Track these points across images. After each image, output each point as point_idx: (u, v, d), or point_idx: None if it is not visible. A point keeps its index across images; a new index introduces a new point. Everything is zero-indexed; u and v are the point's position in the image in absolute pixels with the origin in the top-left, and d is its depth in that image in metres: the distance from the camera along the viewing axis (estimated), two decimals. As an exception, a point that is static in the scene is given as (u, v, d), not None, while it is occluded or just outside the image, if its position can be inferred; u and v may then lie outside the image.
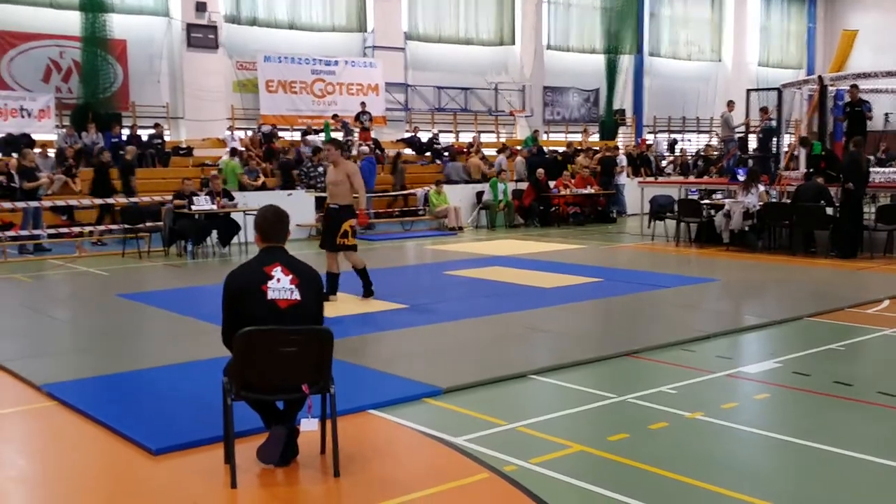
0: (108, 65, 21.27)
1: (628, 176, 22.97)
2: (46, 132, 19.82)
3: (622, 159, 22.91)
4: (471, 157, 22.71)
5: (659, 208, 16.83)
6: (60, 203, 15.84)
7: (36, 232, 14.85)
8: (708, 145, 29.95)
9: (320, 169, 18.08)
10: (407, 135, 25.90)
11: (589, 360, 7.02)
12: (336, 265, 9.69)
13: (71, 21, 20.57)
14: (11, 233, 14.67)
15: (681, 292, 10.42)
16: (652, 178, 23.47)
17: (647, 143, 29.13)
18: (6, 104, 19.64)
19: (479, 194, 20.21)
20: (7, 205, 14.42)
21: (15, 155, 16.45)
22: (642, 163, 25.35)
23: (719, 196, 16.29)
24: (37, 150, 17.24)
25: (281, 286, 4.54)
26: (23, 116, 19.75)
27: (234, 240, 15.08)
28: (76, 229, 15.44)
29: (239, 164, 18.76)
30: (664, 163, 28.04)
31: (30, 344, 7.97)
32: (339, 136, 21.74)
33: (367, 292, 9.82)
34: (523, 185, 20.52)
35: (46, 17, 20.85)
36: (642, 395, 6.01)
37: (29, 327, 8.97)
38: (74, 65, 21.08)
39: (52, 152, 18.63)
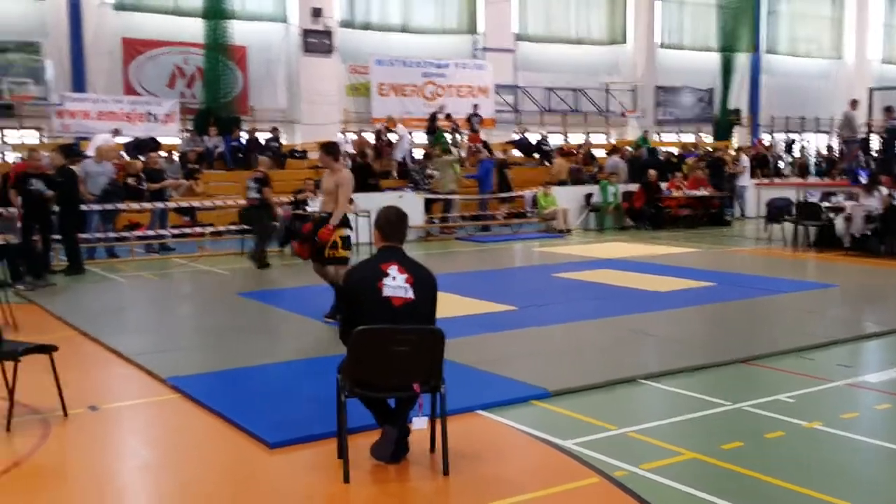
0: (229, 70, 22.15)
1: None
2: (171, 136, 20.79)
3: (744, 160, 22.21)
4: (556, 159, 22.40)
5: (776, 211, 16.26)
6: (184, 204, 16.57)
7: (161, 232, 15.59)
8: (828, 146, 28.72)
9: (427, 171, 18.28)
10: (515, 136, 25.87)
11: (701, 365, 6.86)
12: (331, 275, 8.74)
13: (195, 28, 21.51)
14: (139, 232, 15.45)
15: (798, 298, 10.04)
16: (768, 180, 22.68)
17: (764, 143, 28.16)
18: (134, 109, 20.71)
19: (588, 196, 20.00)
20: (135, 206, 15.19)
21: (142, 158, 17.32)
22: (759, 164, 24.52)
23: (840, 199, 15.60)
24: (162, 154, 18.09)
25: (396, 284, 4.63)
26: (149, 121, 20.79)
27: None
28: (198, 229, 16.11)
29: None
30: (781, 164, 27.04)
31: (156, 339, 8.38)
32: (448, 137, 21.96)
33: (333, 314, 8.66)
34: (633, 187, 20.18)
35: (172, 24, 21.90)
36: (757, 402, 5.84)
37: (155, 323, 9.45)
38: (198, 71, 22.04)
39: (175, 155, 19.51)
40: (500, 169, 20.83)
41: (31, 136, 20.93)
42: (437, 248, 16.43)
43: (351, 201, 14.63)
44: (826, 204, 15.43)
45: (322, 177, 9.11)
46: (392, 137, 21.69)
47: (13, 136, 20.59)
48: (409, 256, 4.85)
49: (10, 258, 11.49)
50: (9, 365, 5.55)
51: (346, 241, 8.71)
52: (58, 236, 12.88)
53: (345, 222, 8.74)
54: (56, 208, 12.60)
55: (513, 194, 20.07)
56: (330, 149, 8.89)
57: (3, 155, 19.24)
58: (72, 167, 13.41)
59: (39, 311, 9.85)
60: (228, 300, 10.49)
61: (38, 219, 12.35)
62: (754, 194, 21.40)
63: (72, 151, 15.77)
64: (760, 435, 5.23)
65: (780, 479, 4.47)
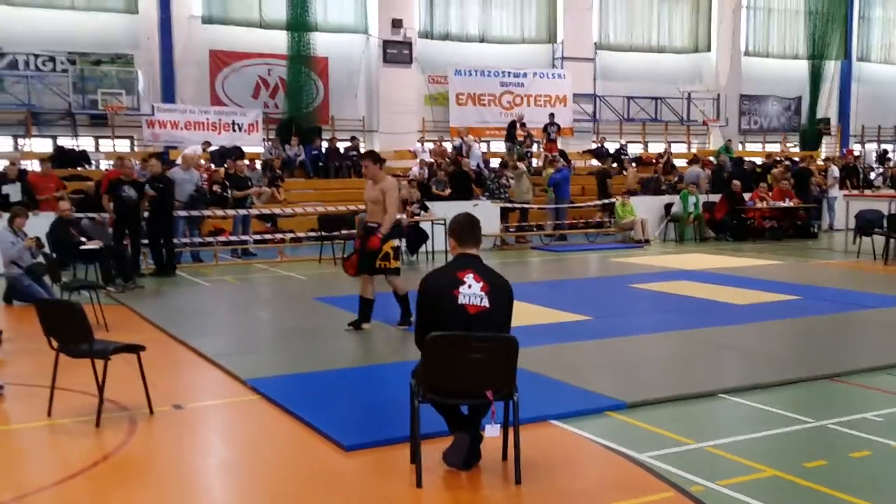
0: (311, 81, 22.60)
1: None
2: (254, 145, 21.31)
3: (833, 171, 21.52)
4: (629, 168, 21.97)
5: (866, 223, 15.69)
6: (266, 211, 16.95)
7: (244, 237, 15.98)
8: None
9: (502, 180, 18.26)
10: (594, 145, 25.65)
11: (784, 381, 6.67)
12: (371, 290, 8.75)
13: (278, 40, 22.04)
14: (222, 238, 15.87)
15: (888, 313, 9.67)
16: (858, 192, 21.92)
17: (855, 153, 27.22)
18: (220, 119, 21.31)
19: (668, 206, 19.67)
20: (220, 212, 15.62)
21: (226, 166, 17.80)
22: (848, 175, 23.71)
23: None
24: (245, 162, 18.56)
25: (471, 292, 4.65)
26: (234, 130, 21.35)
27: (422, 248, 15.53)
28: (279, 235, 16.46)
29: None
30: (873, 175, 26.09)
31: (237, 341, 8.60)
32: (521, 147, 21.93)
33: (404, 321, 8.74)
34: (715, 198, 19.76)
35: (257, 37, 22.46)
36: (843, 420, 5.65)
37: (236, 326, 9.69)
38: (280, 82, 22.55)
39: (258, 164, 19.99)
40: (603, 178, 20.70)
41: (122, 145, 21.73)
42: (513, 256, 16.40)
43: (405, 206, 14.84)
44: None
45: (365, 187, 8.90)
46: (457, 143, 21.85)
47: (106, 145, 21.41)
48: (485, 264, 4.86)
49: (101, 261, 11.96)
50: (99, 363, 5.78)
51: (397, 252, 8.65)
52: (147, 240, 13.36)
53: (395, 233, 8.65)
54: (146, 214, 13.09)
55: (605, 201, 19.82)
56: (376, 157, 8.82)
57: (98, 163, 20.03)
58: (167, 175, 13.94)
59: (128, 313, 10.22)
60: (306, 304, 10.69)
61: (128, 224, 12.84)
62: (843, 206, 20.70)
63: (162, 160, 16.35)
64: (845, 454, 5.06)
65: (865, 500, 4.32)
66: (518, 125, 22.56)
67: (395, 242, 8.63)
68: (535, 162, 22.39)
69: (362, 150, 22.26)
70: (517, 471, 4.58)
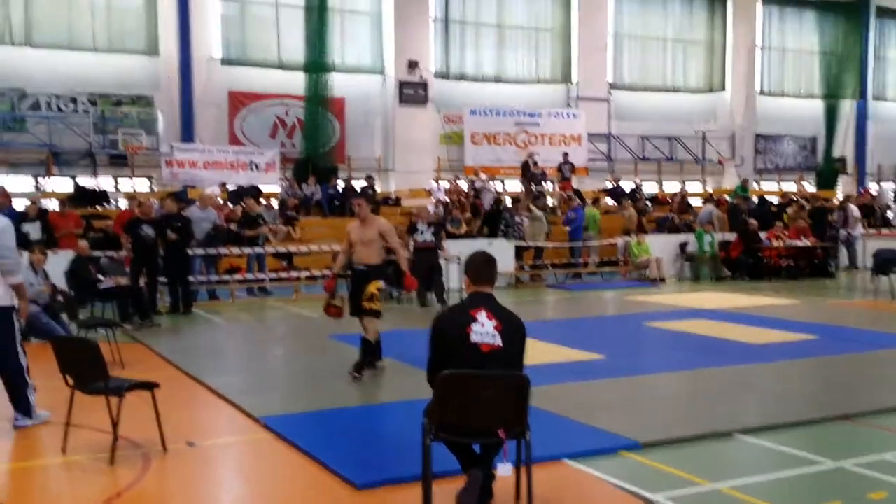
0: (328, 121, 22.87)
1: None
2: (271, 184, 21.51)
3: (853, 210, 21.41)
4: (627, 209, 21.54)
5: (883, 262, 15.59)
6: (282, 249, 17.05)
7: (259, 276, 16.06)
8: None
9: (516, 219, 18.31)
10: (609, 185, 25.71)
11: (801, 421, 6.61)
12: (371, 331, 8.48)
13: (296, 81, 22.36)
14: (239, 276, 15.97)
15: (908, 353, 9.58)
16: (876, 230, 21.81)
17: (871, 192, 27.13)
18: (238, 158, 21.55)
19: (683, 245, 19.64)
20: (236, 250, 15.73)
21: (243, 205, 17.94)
22: (865, 214, 23.61)
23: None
24: (262, 201, 18.72)
25: (484, 330, 4.66)
26: (252, 169, 21.57)
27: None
28: (294, 274, 16.53)
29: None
30: (890, 214, 25.96)
31: (251, 379, 8.62)
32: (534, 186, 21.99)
33: (359, 369, 8.31)
34: (731, 236, 19.72)
35: (275, 78, 22.80)
36: (861, 462, 5.58)
37: (251, 364, 9.72)
38: (298, 122, 22.83)
39: (275, 202, 20.15)
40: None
41: (142, 185, 22.00)
42: (528, 295, 16.38)
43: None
44: (938, 256, 14.73)
45: (349, 227, 8.70)
46: (478, 185, 21.96)
47: (125, 184, 21.68)
48: (499, 303, 4.87)
49: (119, 299, 12.07)
50: (114, 400, 5.82)
51: (380, 294, 8.40)
52: (164, 279, 13.48)
53: (381, 273, 8.51)
54: (162, 252, 13.21)
55: (604, 242, 19.83)
56: (370, 199, 8.85)
57: (117, 202, 20.26)
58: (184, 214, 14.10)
59: (145, 350, 10.28)
60: (320, 342, 10.70)
61: (146, 262, 12.97)
62: (860, 245, 20.59)
63: (179, 199, 16.54)
64: (863, 495, 5.00)
65: (884, 543, 4.26)
66: (531, 164, 22.66)
67: (381, 284, 8.46)
68: (550, 201, 22.44)
69: (377, 189, 22.47)
70: (530, 510, 4.55)
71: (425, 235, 14.53)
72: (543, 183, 22.63)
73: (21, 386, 6.70)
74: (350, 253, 8.58)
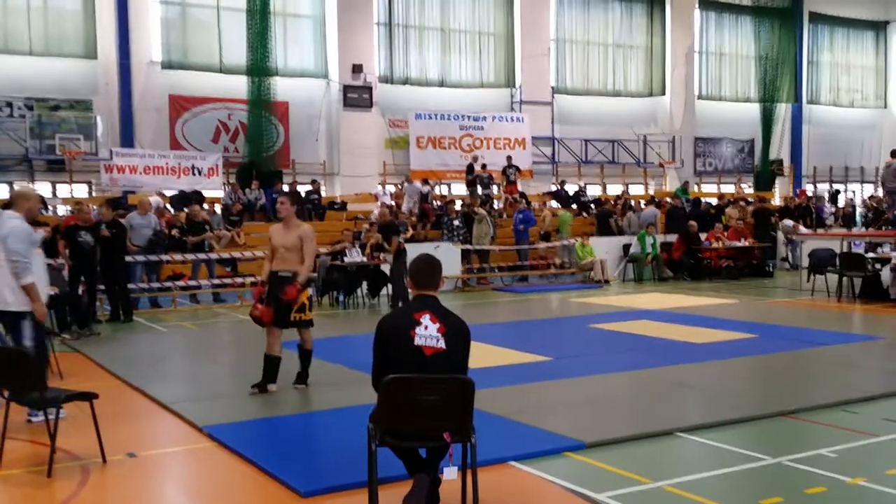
0: (272, 125, 22.65)
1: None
2: (214, 189, 21.22)
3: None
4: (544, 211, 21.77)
5: (819, 262, 16.02)
6: (226, 255, 16.82)
7: (202, 282, 15.81)
8: (870, 196, 28.34)
9: (456, 222, 18.33)
10: (553, 187, 25.96)
11: (741, 419, 6.75)
12: (279, 347, 7.94)
13: (239, 85, 22.09)
14: (181, 283, 15.70)
15: (842, 350, 9.85)
16: (811, 231, 22.40)
17: (807, 193, 27.88)
18: (180, 163, 21.21)
19: (626, 247, 19.92)
20: (178, 257, 15.47)
21: (186, 210, 17.68)
22: (801, 214, 24.25)
23: (886, 249, 15.34)
24: (204, 206, 18.44)
25: (428, 333, 4.65)
26: (194, 174, 21.25)
27: (383, 291, 15.51)
28: (239, 280, 16.32)
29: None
30: (825, 214, 26.70)
31: (194, 388, 8.48)
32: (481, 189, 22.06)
33: (301, 380, 8.14)
34: (672, 238, 20.07)
35: (217, 82, 22.51)
36: (799, 457, 5.71)
37: (193, 372, 9.57)
38: (241, 126, 22.58)
39: (218, 207, 19.88)
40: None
41: (80, 191, 21.52)
42: (474, 298, 16.44)
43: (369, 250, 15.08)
44: (871, 255, 15.18)
45: (271, 230, 8.22)
46: (424, 189, 21.93)
47: (63, 190, 21.18)
48: (443, 306, 4.87)
49: (57, 308, 11.76)
50: (51, 411, 5.66)
51: (311, 303, 8.02)
52: (102, 286, 13.18)
53: (308, 282, 8.07)
54: (100, 259, 12.92)
55: (550, 245, 20.02)
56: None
57: (55, 208, 19.77)
58: (119, 220, 13.79)
59: (84, 360, 10.04)
60: (264, 350, 10.55)
61: (84, 270, 12.66)
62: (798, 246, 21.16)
63: (118, 205, 16.20)
64: (801, 491, 5.12)
65: (820, 536, 4.37)
66: (478, 167, 22.72)
67: (310, 292, 8.12)
68: (496, 204, 22.56)
69: (323, 194, 22.32)
70: (476, 513, 4.55)
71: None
72: (491, 186, 22.72)
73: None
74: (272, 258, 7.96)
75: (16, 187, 19.83)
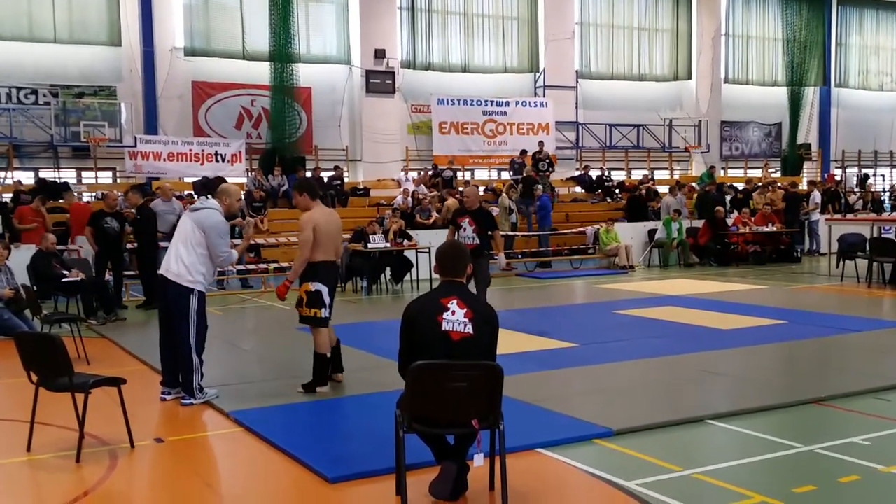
0: (295, 111, 22.62)
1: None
2: (237, 175, 21.25)
3: (815, 195, 21.66)
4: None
5: (848, 247, 15.80)
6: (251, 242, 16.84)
7: (229, 268, 15.84)
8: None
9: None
10: (577, 173, 25.78)
11: (771, 406, 6.66)
12: (322, 342, 7.32)
13: (262, 71, 22.07)
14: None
15: (873, 337, 9.70)
16: (840, 216, 22.11)
17: (836, 178, 27.50)
18: (203, 150, 21.28)
19: (652, 232, 19.75)
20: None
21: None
22: (830, 199, 23.92)
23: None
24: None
25: (455, 318, 4.62)
26: (217, 161, 21.31)
27: (407, 277, 15.50)
28: (262, 265, 16.37)
29: None
30: (853, 199, 26.34)
31: (220, 373, 8.48)
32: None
33: (311, 386, 7.29)
34: (699, 223, 19.87)
35: (239, 68, 22.50)
36: (831, 445, 5.63)
37: (219, 357, 9.56)
38: (264, 112, 22.57)
39: (242, 194, 19.88)
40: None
41: (105, 177, 21.65)
42: (498, 284, 16.37)
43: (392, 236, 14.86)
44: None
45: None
46: (447, 175, 21.83)
47: (88, 177, 21.33)
48: (470, 291, 4.83)
49: (83, 294, 11.85)
50: (79, 397, 5.69)
51: (318, 298, 7.13)
52: (131, 272, 13.25)
53: (312, 275, 7.19)
54: (129, 245, 12.99)
55: (574, 230, 19.88)
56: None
57: (80, 195, 19.91)
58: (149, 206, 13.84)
59: (110, 346, 10.11)
60: (289, 334, 10.59)
61: (111, 256, 12.74)
62: (825, 230, 20.88)
63: (144, 191, 16.27)
64: (834, 479, 5.04)
65: (856, 525, 4.29)
66: (533, 153, 22.34)
67: (311, 286, 7.12)
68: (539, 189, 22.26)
69: (346, 179, 22.30)
70: (504, 501, 4.52)
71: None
72: (550, 168, 22.41)
73: None
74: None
75: (41, 175, 20.01)
